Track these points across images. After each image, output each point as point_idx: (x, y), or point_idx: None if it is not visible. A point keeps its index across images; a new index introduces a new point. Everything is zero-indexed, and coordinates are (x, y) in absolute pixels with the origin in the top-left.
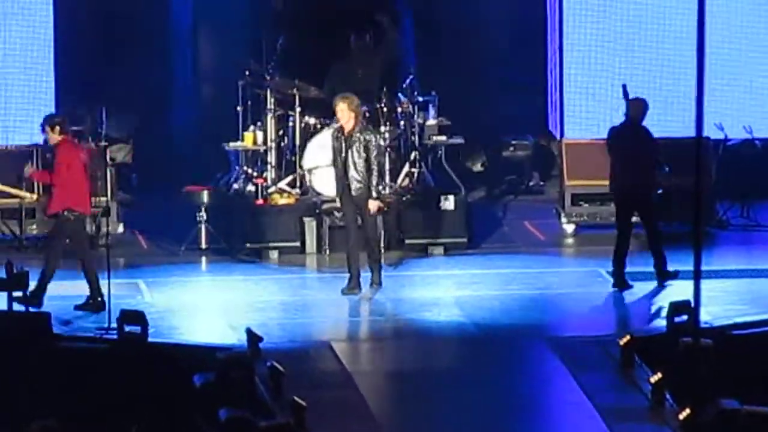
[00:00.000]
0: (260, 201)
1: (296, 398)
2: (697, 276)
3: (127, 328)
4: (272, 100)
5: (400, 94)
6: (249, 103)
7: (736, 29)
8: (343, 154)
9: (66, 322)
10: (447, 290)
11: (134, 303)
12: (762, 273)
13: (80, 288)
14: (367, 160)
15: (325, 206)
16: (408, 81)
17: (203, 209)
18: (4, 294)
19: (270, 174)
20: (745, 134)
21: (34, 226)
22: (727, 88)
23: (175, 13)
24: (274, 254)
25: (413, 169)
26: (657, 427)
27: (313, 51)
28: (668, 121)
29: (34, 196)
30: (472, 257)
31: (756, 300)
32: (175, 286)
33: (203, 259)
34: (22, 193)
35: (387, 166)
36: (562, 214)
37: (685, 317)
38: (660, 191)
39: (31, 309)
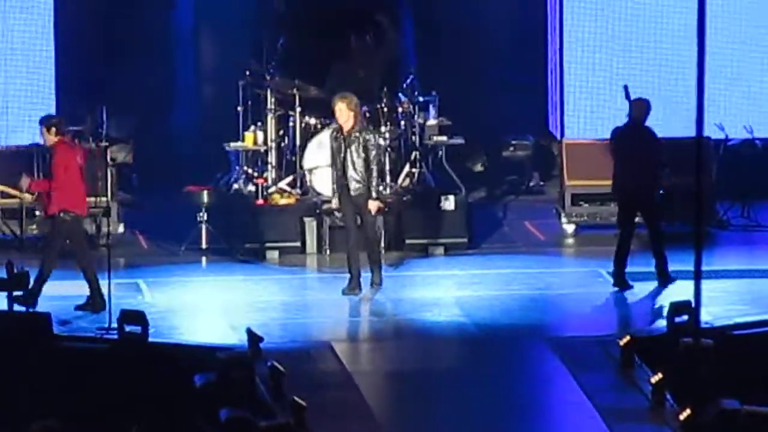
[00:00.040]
0: (261, 201)
1: (297, 398)
2: (697, 276)
3: (127, 328)
4: (273, 100)
5: (400, 94)
6: (249, 103)
7: (736, 29)
8: (342, 154)
9: (66, 322)
10: (447, 290)
11: (135, 303)
12: (762, 273)
13: (80, 288)
14: (366, 160)
15: (325, 206)
16: (408, 81)
17: (204, 209)
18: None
19: (270, 174)
20: (746, 134)
21: (35, 226)
22: (728, 88)
23: (176, 14)
24: (274, 254)
25: (414, 170)
26: (657, 427)
27: (314, 51)
28: (669, 121)
29: (34, 196)
30: (472, 257)
31: (756, 300)
32: (175, 286)
33: (204, 259)
34: (22, 194)
35: (387, 167)
36: (563, 214)
37: (685, 317)
38: (661, 191)
39: (30, 309)
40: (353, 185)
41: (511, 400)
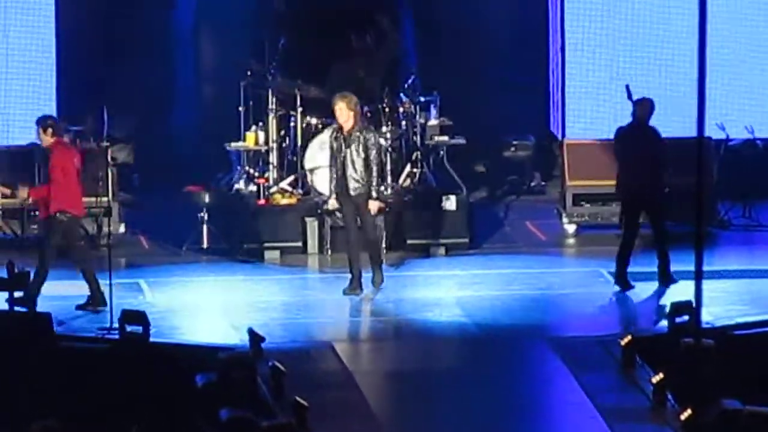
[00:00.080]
0: (262, 201)
1: (298, 398)
2: (698, 276)
3: (128, 328)
4: (274, 100)
5: (401, 94)
6: (250, 103)
7: (737, 29)
8: (342, 154)
9: (66, 322)
10: (448, 290)
11: (136, 303)
12: (763, 273)
13: (80, 288)
14: (366, 160)
15: (326, 206)
16: (410, 81)
17: (205, 209)
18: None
19: (271, 174)
20: (747, 134)
21: (35, 226)
22: (729, 88)
23: (176, 14)
24: (275, 254)
25: (415, 170)
26: (658, 427)
27: (315, 51)
28: (670, 120)
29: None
30: (473, 257)
31: (757, 300)
32: (176, 286)
33: (205, 259)
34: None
35: (389, 167)
36: (564, 215)
37: (686, 317)
38: (667, 190)
39: (29, 309)
40: (352, 185)
41: (512, 400)
